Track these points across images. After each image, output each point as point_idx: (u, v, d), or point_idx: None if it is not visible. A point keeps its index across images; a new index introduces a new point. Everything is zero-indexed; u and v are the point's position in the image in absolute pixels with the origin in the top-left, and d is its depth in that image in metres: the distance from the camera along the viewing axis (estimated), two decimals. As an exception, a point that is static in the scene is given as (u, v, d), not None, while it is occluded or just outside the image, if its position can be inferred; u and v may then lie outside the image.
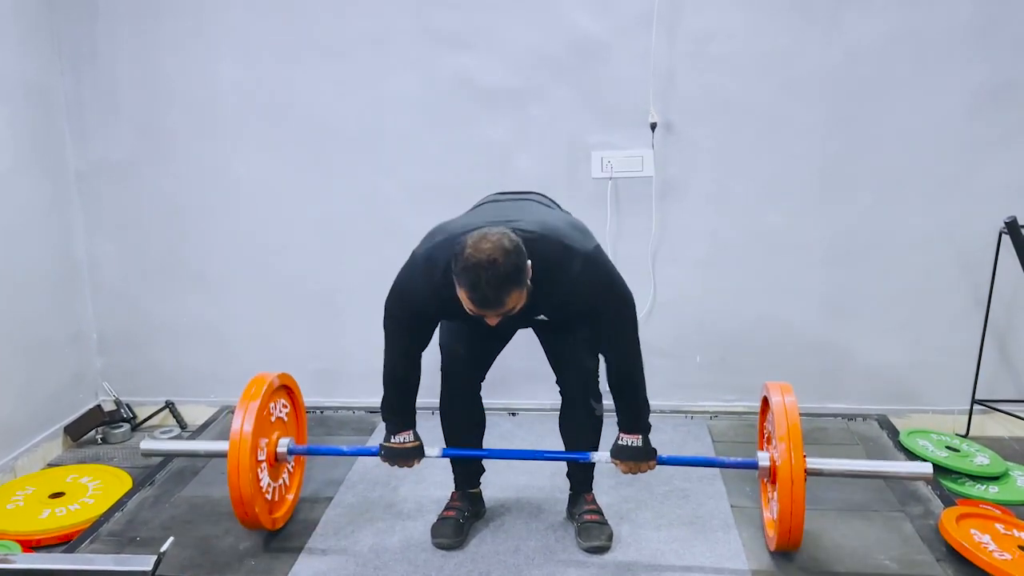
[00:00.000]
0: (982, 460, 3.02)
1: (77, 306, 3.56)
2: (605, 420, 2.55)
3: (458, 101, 3.33)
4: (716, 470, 2.99)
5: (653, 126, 3.24)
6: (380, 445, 2.45)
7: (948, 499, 2.74)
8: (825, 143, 3.25)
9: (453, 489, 2.69)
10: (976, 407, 3.36)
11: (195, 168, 3.47)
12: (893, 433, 3.26)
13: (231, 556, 2.52)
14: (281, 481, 2.61)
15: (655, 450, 2.38)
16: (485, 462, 2.73)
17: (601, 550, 2.49)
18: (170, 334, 3.64)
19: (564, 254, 2.15)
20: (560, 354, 2.50)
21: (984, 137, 3.18)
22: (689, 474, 2.97)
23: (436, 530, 2.56)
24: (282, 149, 3.43)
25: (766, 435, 2.57)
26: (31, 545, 2.66)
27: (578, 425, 2.56)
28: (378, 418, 3.51)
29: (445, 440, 2.64)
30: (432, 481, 2.93)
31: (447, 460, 2.68)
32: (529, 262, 2.05)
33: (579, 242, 2.19)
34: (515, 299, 2.02)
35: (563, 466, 2.68)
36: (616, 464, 2.38)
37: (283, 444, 2.54)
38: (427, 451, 2.45)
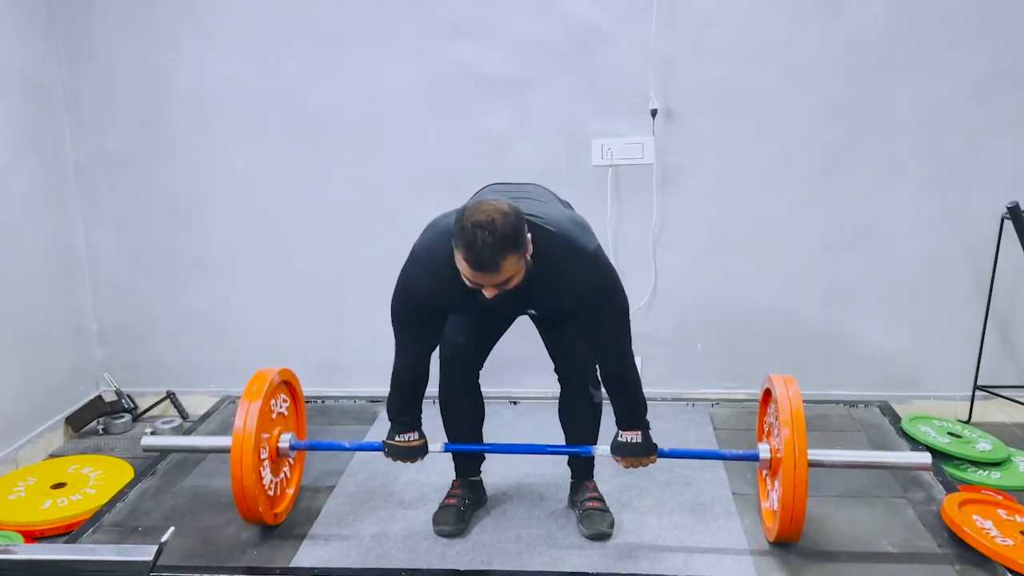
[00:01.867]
0: (984, 446, 3.02)
1: (77, 298, 3.56)
2: (604, 408, 2.55)
3: (457, 90, 3.32)
4: (718, 457, 3.00)
5: (653, 113, 3.23)
6: (384, 442, 2.44)
7: (950, 485, 2.73)
8: (826, 130, 3.24)
9: (454, 477, 2.69)
10: (978, 393, 3.36)
11: (194, 159, 3.46)
12: (895, 420, 3.26)
13: (233, 545, 2.52)
14: (282, 475, 2.60)
15: (655, 445, 2.38)
16: (487, 451, 2.74)
17: (603, 537, 2.50)
18: (170, 325, 3.64)
19: (566, 249, 2.13)
20: (558, 342, 2.50)
21: (985, 124, 3.16)
22: (690, 461, 2.96)
23: (438, 518, 2.56)
24: (280, 139, 3.42)
25: (767, 427, 2.57)
26: (33, 536, 2.66)
27: (578, 413, 2.57)
28: (379, 407, 3.51)
29: (445, 429, 2.64)
30: (433, 469, 2.92)
31: (448, 447, 2.70)
32: (529, 234, 2.03)
33: (581, 240, 2.17)
34: (512, 266, 1.99)
35: (564, 454, 2.69)
36: (617, 460, 2.39)
37: (284, 440, 2.54)
38: (430, 447, 2.45)
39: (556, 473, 2.85)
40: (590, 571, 2.35)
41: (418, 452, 2.43)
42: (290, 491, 2.67)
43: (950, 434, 3.10)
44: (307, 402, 3.58)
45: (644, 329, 3.50)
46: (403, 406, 2.41)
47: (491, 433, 2.75)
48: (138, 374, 3.68)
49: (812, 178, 3.29)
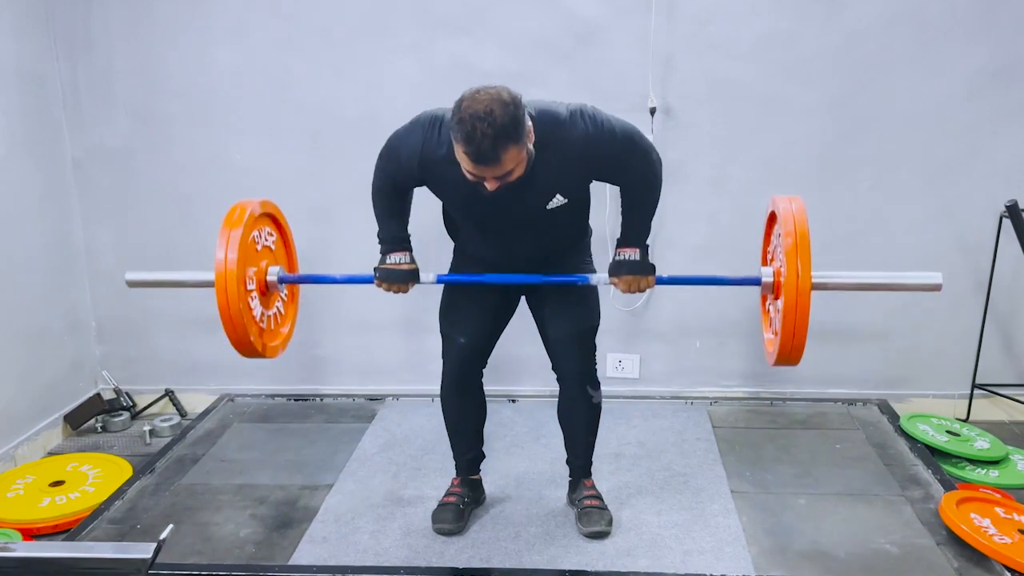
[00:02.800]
0: (982, 444, 3.02)
1: (76, 294, 3.55)
2: (605, 407, 2.55)
3: (456, 86, 3.22)
4: (717, 455, 3.00)
5: (652, 111, 3.22)
6: (375, 268, 2.35)
7: (948, 483, 2.74)
8: (825, 126, 3.24)
9: (453, 475, 2.69)
10: (976, 391, 3.36)
11: (192, 155, 3.45)
12: (894, 418, 3.26)
13: (232, 543, 2.52)
14: (275, 310, 2.48)
15: (653, 266, 2.29)
16: (486, 450, 2.73)
17: (601, 535, 2.50)
18: (169, 322, 3.63)
19: (559, 119, 2.10)
20: (557, 341, 2.48)
21: (984, 119, 3.16)
22: (689, 459, 2.98)
23: (437, 516, 2.57)
24: (279, 135, 3.41)
25: (770, 254, 2.44)
26: (31, 533, 2.66)
27: (577, 413, 2.56)
28: (379, 404, 3.51)
29: (446, 428, 2.64)
30: (432, 468, 2.94)
31: (447, 448, 2.69)
32: (530, 123, 2.00)
33: (570, 105, 2.14)
34: (513, 157, 1.95)
35: (563, 452, 2.68)
36: (615, 283, 2.29)
37: (272, 273, 2.41)
38: (422, 276, 2.35)
39: (555, 472, 2.85)
40: (588, 569, 2.35)
41: (408, 276, 2.32)
42: (284, 329, 2.53)
43: (948, 432, 3.10)
44: (304, 400, 3.60)
45: (643, 327, 3.51)
46: (386, 218, 2.32)
47: (490, 430, 2.75)
48: (136, 371, 3.67)
49: (811, 174, 3.28)
